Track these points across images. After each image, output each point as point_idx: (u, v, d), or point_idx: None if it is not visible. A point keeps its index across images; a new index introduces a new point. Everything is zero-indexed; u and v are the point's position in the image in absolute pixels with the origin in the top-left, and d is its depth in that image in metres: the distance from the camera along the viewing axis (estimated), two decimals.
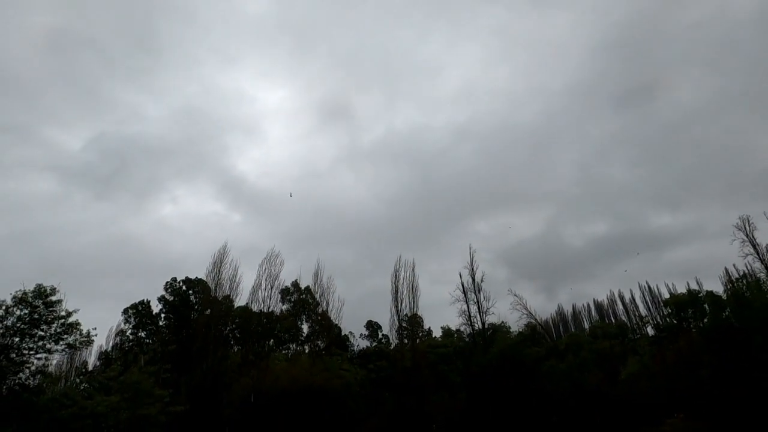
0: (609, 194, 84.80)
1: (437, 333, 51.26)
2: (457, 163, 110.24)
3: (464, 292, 38.68)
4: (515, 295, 39.46)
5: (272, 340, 40.10)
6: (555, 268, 75.95)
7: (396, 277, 39.43)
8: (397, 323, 39.37)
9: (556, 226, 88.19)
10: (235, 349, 37.03)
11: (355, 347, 47.51)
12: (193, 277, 40.45)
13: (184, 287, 40.46)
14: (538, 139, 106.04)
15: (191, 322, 37.33)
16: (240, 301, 36.79)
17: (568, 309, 65.95)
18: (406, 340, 39.74)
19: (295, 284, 44.11)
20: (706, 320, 31.58)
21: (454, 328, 49.01)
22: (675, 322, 36.92)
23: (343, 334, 45.14)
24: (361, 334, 50.33)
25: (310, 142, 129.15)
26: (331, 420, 27.11)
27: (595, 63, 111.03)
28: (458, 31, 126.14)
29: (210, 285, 36.70)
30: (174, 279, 40.90)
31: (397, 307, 38.81)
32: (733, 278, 35.45)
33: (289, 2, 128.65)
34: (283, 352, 40.69)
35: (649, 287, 53.99)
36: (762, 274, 29.48)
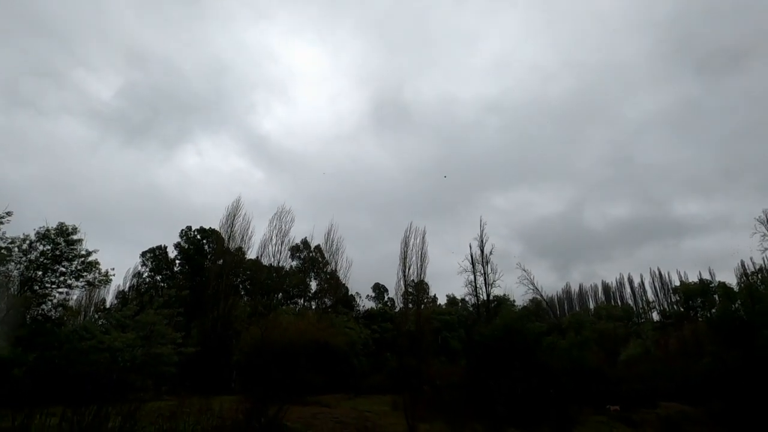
0: (640, 177, 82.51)
1: (443, 301, 52.13)
2: (484, 137, 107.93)
3: (472, 263, 38.91)
4: (523, 270, 39.63)
5: (281, 294, 41.26)
6: (571, 247, 75.63)
7: (405, 243, 39.71)
8: (403, 288, 40.00)
9: (580, 206, 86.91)
10: (245, 299, 38.23)
11: (361, 307, 48.68)
12: (207, 227, 41.28)
13: (198, 236, 41.38)
14: (571, 116, 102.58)
15: (204, 270, 38.44)
16: (251, 254, 37.59)
17: (575, 288, 66.20)
18: (411, 305, 40.53)
19: (305, 242, 44.81)
20: (714, 311, 31.39)
21: (459, 298, 49.70)
22: (682, 309, 36.85)
23: (350, 293, 46.16)
24: (367, 296, 51.49)
25: (336, 106, 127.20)
26: (335, 373, 28.19)
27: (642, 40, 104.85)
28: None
29: (223, 236, 37.44)
30: (189, 227, 41.80)
31: (404, 272, 39.32)
32: (748, 272, 34.84)
33: None
34: (291, 306, 41.89)
35: (660, 273, 53.65)
36: None
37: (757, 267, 33.13)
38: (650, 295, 54.05)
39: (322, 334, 27.86)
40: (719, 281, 36.12)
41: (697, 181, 75.21)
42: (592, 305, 58.50)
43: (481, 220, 39.10)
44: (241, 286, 40.22)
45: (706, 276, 42.29)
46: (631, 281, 56.97)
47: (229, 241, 36.78)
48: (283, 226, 36.93)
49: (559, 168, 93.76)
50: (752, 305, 24.62)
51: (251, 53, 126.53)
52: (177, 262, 41.18)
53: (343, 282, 41.34)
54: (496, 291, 39.47)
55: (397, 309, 45.13)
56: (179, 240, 41.05)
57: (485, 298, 39.21)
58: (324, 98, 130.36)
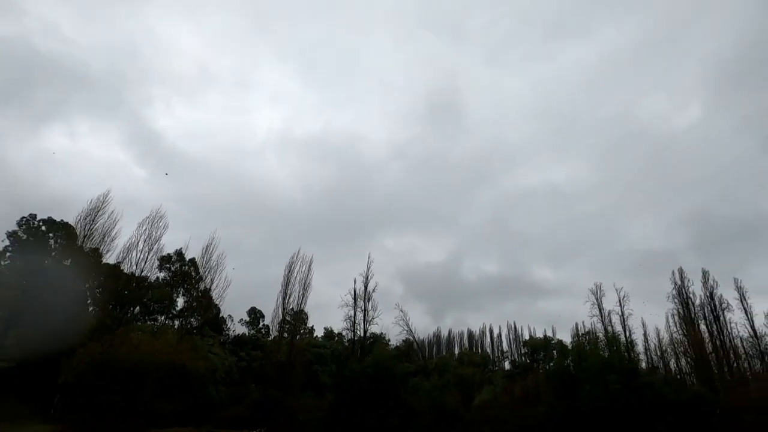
0: (511, 240, 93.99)
1: (320, 333, 51.18)
2: (387, 179, 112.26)
3: (354, 298, 39.35)
4: (401, 311, 41.19)
5: (138, 308, 36.29)
6: (447, 294, 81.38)
7: (290, 269, 38.69)
8: (281, 315, 38.49)
9: (460, 257, 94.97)
10: (91, 309, 32.71)
11: (231, 332, 45.19)
12: (59, 220, 34.98)
13: (44, 228, 34.74)
14: (466, 175, 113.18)
15: (44, 268, 32.08)
16: (110, 258, 32.72)
17: (444, 333, 70.96)
18: (286, 334, 38.96)
19: (180, 253, 40.64)
20: (551, 364, 36.23)
21: (336, 332, 49.38)
22: (528, 361, 41.80)
23: (221, 315, 42.65)
24: (241, 320, 48.12)
25: (246, 117, 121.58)
26: (189, 402, 25.25)
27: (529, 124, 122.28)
28: (404, 41, 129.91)
29: (78, 233, 32.05)
30: (33, 216, 34.91)
31: (284, 299, 38.02)
32: (580, 332, 41.32)
33: None
34: (150, 323, 37.04)
35: (515, 327, 60.41)
36: (601, 334, 34.83)
37: (587, 329, 39.54)
38: (505, 346, 60.32)
39: (180, 357, 25.07)
40: (558, 339, 42.16)
41: (551, 251, 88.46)
42: (457, 350, 62.94)
43: (369, 257, 40.07)
44: (88, 293, 34.38)
45: (550, 333, 48.94)
46: (491, 331, 63.08)
47: (84, 240, 31.58)
48: (153, 232, 33.11)
49: (448, 220, 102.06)
50: (579, 362, 29.18)
51: (164, 45, 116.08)
52: (7, 254, 33.76)
53: (216, 302, 38.16)
54: (374, 328, 40.24)
55: (272, 337, 42.90)
56: (17, 229, 33.94)
57: (362, 335, 39.66)
58: (236, 109, 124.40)
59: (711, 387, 27.78)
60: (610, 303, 37.31)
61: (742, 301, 32.98)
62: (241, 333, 45.74)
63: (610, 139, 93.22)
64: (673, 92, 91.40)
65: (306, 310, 41.00)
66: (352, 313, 39.38)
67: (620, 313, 35.31)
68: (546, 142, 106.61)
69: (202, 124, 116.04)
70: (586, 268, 77.12)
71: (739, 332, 32.54)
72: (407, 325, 41.29)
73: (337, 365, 39.81)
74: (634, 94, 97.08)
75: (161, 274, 39.77)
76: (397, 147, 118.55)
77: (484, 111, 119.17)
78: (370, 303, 39.42)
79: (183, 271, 41.05)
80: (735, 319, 32.97)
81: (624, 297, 35.46)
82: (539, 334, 50.71)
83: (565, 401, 26.17)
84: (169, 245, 40.37)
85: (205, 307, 37.76)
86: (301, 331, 44.89)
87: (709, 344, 32.83)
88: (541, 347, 42.47)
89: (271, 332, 44.76)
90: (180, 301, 40.08)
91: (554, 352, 39.43)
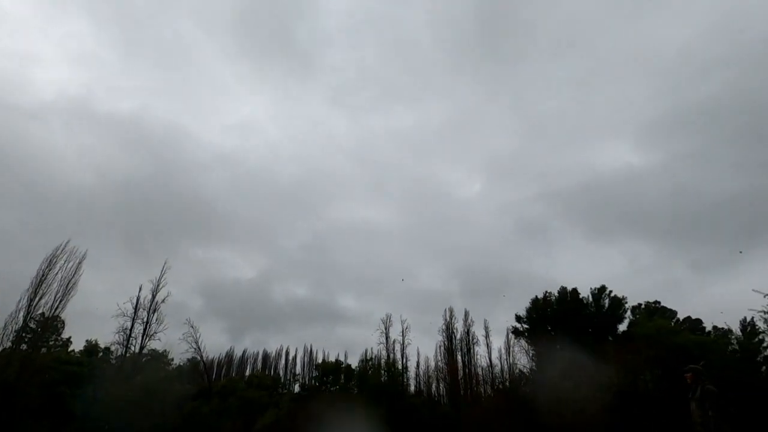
0: (321, 268, 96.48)
1: (80, 346, 41.64)
2: (205, 183, 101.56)
3: (135, 308, 33.96)
4: (191, 326, 37.32)
5: None
6: (253, 314, 77.36)
7: (50, 263, 30.84)
8: (21, 321, 29.94)
9: (271, 278, 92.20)
10: None
11: None
12: None
13: None
14: (292, 198, 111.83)
15: None
16: None
17: (239, 353, 66.97)
18: (25, 346, 30.36)
19: None
20: (337, 387, 38.20)
21: (104, 346, 41.06)
22: (317, 384, 42.97)
23: None
24: None
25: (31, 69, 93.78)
26: None
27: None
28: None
29: None
30: None
31: (32, 300, 29.80)
32: (368, 358, 44.94)
33: None
34: None
35: (311, 350, 61.62)
36: (383, 360, 38.82)
37: (375, 354, 43.38)
38: (299, 369, 60.70)
39: None
40: (348, 363, 44.87)
41: (357, 282, 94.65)
42: (249, 372, 60.10)
43: (165, 263, 35.51)
44: None
45: (342, 357, 51.67)
46: (287, 353, 62.73)
47: None
48: None
49: (265, 240, 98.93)
50: (361, 384, 31.71)
51: None
52: None
53: None
54: (156, 344, 35.25)
55: (1, 348, 32.70)
56: None
57: (137, 351, 34.15)
58: (19, 54, 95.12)
59: (457, 407, 33.84)
60: (395, 332, 42.06)
61: (486, 338, 42.14)
62: None
63: (415, 194, 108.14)
64: (466, 168, 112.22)
65: (63, 317, 33.10)
66: (129, 324, 33.69)
67: (402, 342, 40.31)
68: (365, 185, 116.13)
69: None
70: (384, 300, 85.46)
71: (481, 362, 41.12)
72: (196, 342, 37.53)
73: (93, 387, 32.92)
74: (438, 162, 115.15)
75: None
76: (223, 155, 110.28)
77: (316, 144, 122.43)
78: (156, 315, 34.55)
79: None
80: (480, 351, 41.65)
81: (407, 328, 40.70)
82: (332, 358, 53.04)
83: (342, 423, 27.76)
84: None
85: None
86: (50, 342, 35.78)
87: (461, 371, 40.17)
88: (331, 370, 44.29)
89: (2, 342, 34.20)
90: None
91: (342, 375, 41.73)
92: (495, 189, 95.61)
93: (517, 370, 35.97)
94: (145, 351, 35.62)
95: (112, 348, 36.14)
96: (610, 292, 37.87)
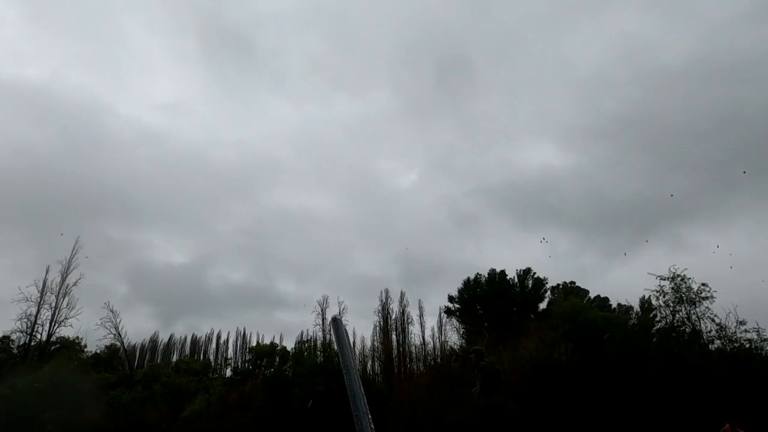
0: (260, 254, 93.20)
1: None
2: (128, 160, 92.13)
3: (42, 292, 30.68)
4: (110, 311, 34.49)
5: None
6: (185, 298, 72.90)
7: None
8: None
9: (206, 263, 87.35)
10: None
11: None
12: None
13: None
14: (224, 182, 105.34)
15: None
16: None
17: (164, 339, 63.17)
18: None
19: None
20: (271, 369, 37.64)
21: (1, 334, 36.70)
22: (251, 367, 42.02)
23: None
24: None
25: None
26: None
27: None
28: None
29: None
30: None
31: None
32: (304, 339, 44.74)
33: None
34: None
35: (244, 333, 59.93)
36: (320, 342, 38.84)
37: (310, 336, 43.20)
38: (231, 353, 58.87)
39: None
40: (283, 346, 44.34)
41: (297, 268, 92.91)
42: (176, 357, 57.12)
43: (76, 242, 32.30)
44: None
45: (277, 340, 50.88)
46: (219, 337, 60.46)
47: None
48: None
49: (200, 225, 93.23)
50: (295, 367, 31.46)
51: None
52: None
53: None
54: (68, 331, 32.24)
55: None
56: None
57: (45, 339, 30.98)
58: None
59: (390, 384, 34.94)
60: (333, 314, 42.21)
61: (420, 317, 43.77)
62: None
63: (356, 184, 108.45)
64: (404, 161, 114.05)
65: None
66: (34, 310, 30.35)
67: None
68: (308, 172, 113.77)
69: None
70: (323, 285, 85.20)
71: (415, 341, 42.69)
72: (115, 327, 34.79)
73: None
74: (377, 152, 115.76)
75: None
76: (150, 133, 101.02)
77: (257, 129, 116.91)
78: (66, 299, 31.45)
79: None
80: (415, 330, 43.19)
81: (344, 309, 40.95)
82: (268, 341, 52.05)
83: (275, 405, 27.48)
84: None
85: None
86: None
87: (396, 350, 41.42)
88: (266, 353, 43.52)
89: None
90: None
91: (277, 358, 41.18)
92: (431, 182, 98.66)
93: (448, 347, 37.90)
94: (53, 339, 32.43)
95: (13, 336, 32.37)
96: (534, 273, 41.03)
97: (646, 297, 21.52)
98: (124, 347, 37.98)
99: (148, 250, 78.36)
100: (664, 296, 18.84)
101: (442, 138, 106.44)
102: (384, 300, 43.69)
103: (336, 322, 1.26)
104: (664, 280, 18.68)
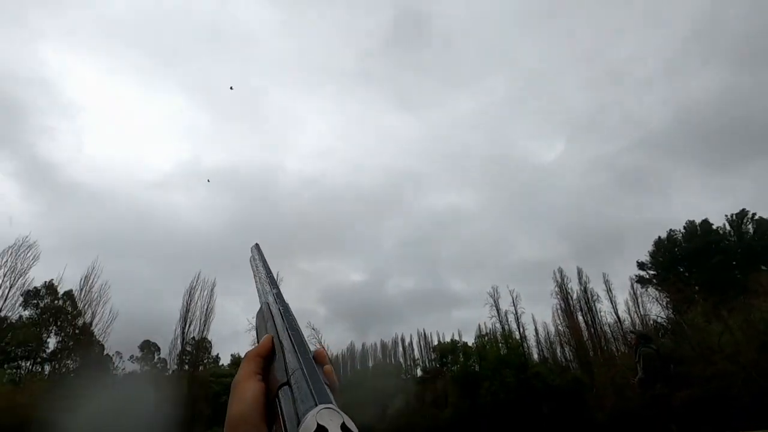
0: (429, 258, 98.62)
1: (226, 361, 47.87)
2: (298, 205, 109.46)
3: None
4: (312, 329, 40.36)
5: None
6: (372, 310, 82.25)
7: (190, 294, 35.87)
8: (180, 346, 35.34)
9: (382, 276, 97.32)
10: None
11: (120, 371, 40.16)
12: None
13: None
14: (380, 202, 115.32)
15: None
16: None
17: (359, 347, 71.06)
18: (186, 366, 35.80)
19: (50, 286, 35.24)
20: (457, 366, 38.31)
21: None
22: (438, 365, 43.60)
23: (106, 353, 37.73)
24: (132, 357, 43.06)
25: (147, 147, 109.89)
26: None
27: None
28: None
29: None
30: None
31: (183, 328, 35.05)
32: (482, 333, 44.33)
33: None
34: (9, 371, 31.40)
35: (425, 334, 62.75)
36: (498, 333, 37.82)
37: (488, 330, 42.60)
38: (416, 353, 62.20)
39: (50, 409, 21.54)
40: (464, 341, 44.69)
41: (461, 265, 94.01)
42: (371, 363, 63.30)
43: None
44: None
45: (457, 337, 51.69)
46: (402, 341, 64.63)
47: None
48: (19, 265, 28.52)
49: (365, 244, 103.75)
50: (480, 361, 31.37)
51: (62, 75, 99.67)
52: None
53: (100, 339, 33.75)
54: None
55: (170, 371, 38.98)
56: None
57: None
58: (128, 134, 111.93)
59: (588, 369, 31.71)
60: (505, 304, 40.68)
61: (608, 293, 38.45)
62: (131, 370, 40.93)
63: (496, 172, 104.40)
64: (541, 132, 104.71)
65: (209, 337, 38.31)
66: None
67: (514, 312, 38.76)
68: (446, 174, 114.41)
69: (96, 151, 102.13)
70: (490, 277, 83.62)
71: (607, 319, 37.80)
72: (319, 343, 40.55)
73: None
74: (512, 137, 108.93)
75: (26, 312, 34.12)
76: (306, 179, 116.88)
77: (389, 150, 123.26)
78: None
79: (55, 306, 35.62)
80: (604, 308, 38.25)
81: (516, 297, 39.01)
82: (448, 339, 53.32)
83: (468, 399, 27.84)
84: (34, 278, 34.37)
85: (85, 345, 33.09)
86: (205, 360, 41.61)
87: (586, 332, 37.47)
88: (449, 351, 44.60)
89: (169, 365, 40.69)
90: (52, 342, 34.64)
91: (460, 354, 41.74)
92: (580, 147, 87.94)
93: (651, 321, 32.53)
94: None
95: None
96: (754, 215, 32.23)
97: None
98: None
99: (333, 275, 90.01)
100: None
101: (577, 99, 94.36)
102: (560, 280, 40.19)
103: (257, 245, 1.19)
104: None
